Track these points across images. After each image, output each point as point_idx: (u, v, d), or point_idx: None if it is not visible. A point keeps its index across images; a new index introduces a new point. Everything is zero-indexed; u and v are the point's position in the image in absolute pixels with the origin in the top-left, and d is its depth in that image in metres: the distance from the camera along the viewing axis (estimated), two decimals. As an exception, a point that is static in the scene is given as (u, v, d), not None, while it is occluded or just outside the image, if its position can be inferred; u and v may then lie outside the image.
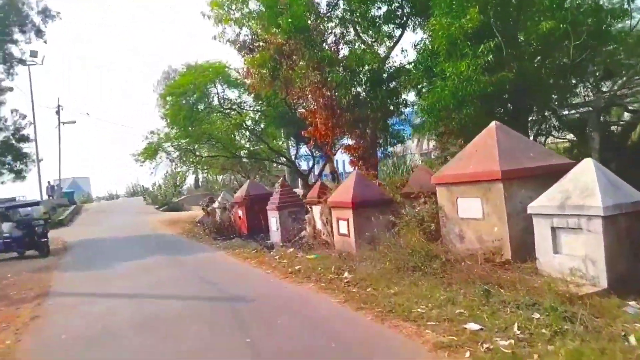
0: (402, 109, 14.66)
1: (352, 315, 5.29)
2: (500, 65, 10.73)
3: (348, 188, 8.85)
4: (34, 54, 26.00)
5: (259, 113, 23.39)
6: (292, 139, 24.89)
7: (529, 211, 6.35)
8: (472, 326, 4.45)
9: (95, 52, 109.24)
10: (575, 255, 5.79)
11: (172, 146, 24.01)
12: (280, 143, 26.93)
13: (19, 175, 20.02)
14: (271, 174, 30.09)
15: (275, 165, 30.04)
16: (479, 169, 7.21)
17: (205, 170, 30.37)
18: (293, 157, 24.97)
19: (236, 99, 23.21)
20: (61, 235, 19.45)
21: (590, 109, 13.41)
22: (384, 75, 14.16)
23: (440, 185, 7.90)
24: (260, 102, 22.98)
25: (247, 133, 24.40)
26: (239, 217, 16.11)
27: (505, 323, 4.41)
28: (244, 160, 27.51)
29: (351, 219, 8.56)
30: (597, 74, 12.72)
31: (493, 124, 7.82)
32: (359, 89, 13.77)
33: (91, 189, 50.48)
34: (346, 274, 6.98)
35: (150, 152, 23.16)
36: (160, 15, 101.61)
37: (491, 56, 10.36)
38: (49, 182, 30.90)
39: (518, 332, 4.21)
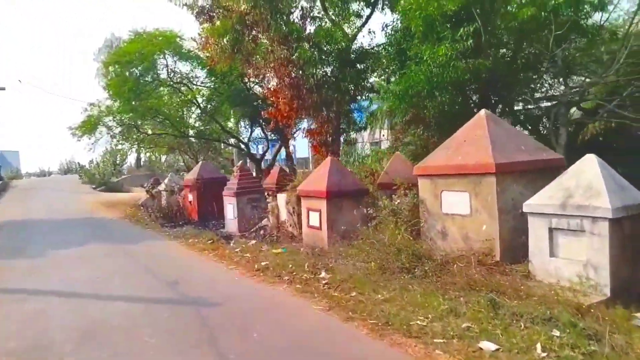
0: (368, 94, 14.03)
1: (342, 327, 4.57)
2: (476, 52, 10.30)
3: (321, 176, 8.09)
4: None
5: (213, 90, 21.96)
6: (245, 120, 23.72)
7: (525, 209, 5.89)
8: (488, 345, 3.87)
9: (32, 14, 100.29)
10: (575, 260, 5.39)
11: (115, 121, 22.17)
12: (230, 125, 25.57)
13: None
14: (222, 157, 28.76)
15: (224, 147, 28.76)
16: (469, 160, 6.68)
17: (150, 149, 28.51)
18: (246, 140, 23.81)
19: (187, 73, 21.68)
20: (-16, 215, 17.48)
21: (551, 103, 13.36)
22: (352, 56, 13.44)
23: (423, 177, 7.32)
24: (213, 79, 21.61)
25: (198, 111, 22.96)
26: (189, 202, 14.99)
27: (524, 342, 3.86)
28: (193, 140, 26.03)
29: (324, 210, 7.83)
30: (567, 69, 12.62)
31: (483, 112, 7.32)
32: (327, 69, 12.95)
33: (20, 164, 46.64)
34: (323, 274, 6.26)
35: (90, 126, 21.26)
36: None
37: (471, 41, 9.92)
38: None
39: (543, 354, 3.67)
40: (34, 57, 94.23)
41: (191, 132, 24.80)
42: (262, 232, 10.13)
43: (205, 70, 21.34)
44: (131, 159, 40.19)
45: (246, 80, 21.10)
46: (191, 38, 18.43)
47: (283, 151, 24.91)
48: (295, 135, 16.33)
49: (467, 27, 10.04)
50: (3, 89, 29.52)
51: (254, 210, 11.60)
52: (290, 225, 9.20)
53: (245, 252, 8.25)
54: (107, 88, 20.93)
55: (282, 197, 9.72)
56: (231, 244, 9.21)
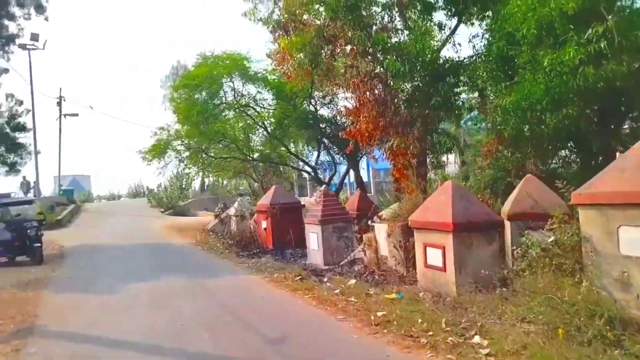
0: (459, 110, 12.29)
1: None
2: (601, 57, 8.45)
3: (443, 203, 6.44)
4: (35, 37, 23.43)
5: (280, 112, 20.89)
6: (312, 143, 22.50)
7: None
8: None
9: (102, 41, 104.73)
10: None
11: (183, 145, 21.55)
12: (293, 148, 24.35)
13: (12, 168, 17.40)
14: (288, 181, 27.62)
15: (285, 171, 27.75)
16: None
17: (216, 174, 27.82)
18: (313, 163, 22.50)
19: (254, 95, 20.81)
20: (58, 238, 16.95)
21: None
22: (442, 69, 11.84)
23: (587, 207, 5.51)
24: (279, 101, 20.65)
25: (265, 134, 21.99)
26: (264, 229, 13.69)
27: None
28: (258, 164, 25.07)
29: (449, 246, 6.15)
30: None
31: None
32: (417, 83, 11.39)
33: (92, 188, 47.83)
34: (477, 338, 4.57)
35: (159, 150, 20.76)
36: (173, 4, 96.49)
37: (605, 43, 8.09)
38: (24, 178, 26.47)
39: None
40: (103, 84, 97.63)
41: (256, 155, 23.92)
42: (355, 267, 8.55)
43: (273, 92, 20.47)
44: (195, 183, 40.11)
45: (313, 102, 20.07)
46: (266, 55, 17.52)
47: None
48: (376, 157, 14.71)
49: (596, 27, 8.24)
50: (76, 115, 30.15)
51: (340, 241, 10.09)
52: (398, 263, 7.56)
53: (348, 295, 6.67)
54: (176, 112, 20.36)
55: (381, 228, 8.13)
56: (325, 283, 7.68)
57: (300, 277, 8.21)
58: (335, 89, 13.03)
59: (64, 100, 30.87)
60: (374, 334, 5.14)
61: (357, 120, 12.44)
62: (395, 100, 10.97)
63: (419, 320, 5.20)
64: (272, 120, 21.52)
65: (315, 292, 7.10)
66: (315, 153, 22.82)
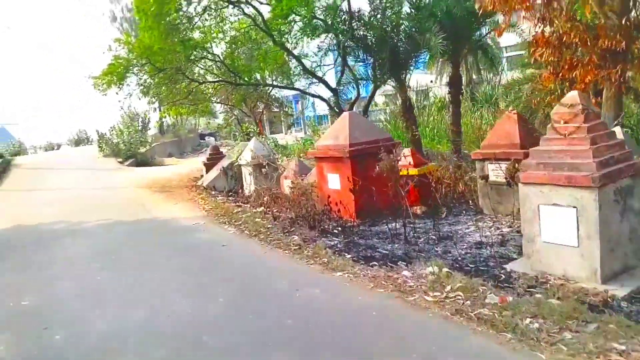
0: None
1: None
2: None
3: None
4: None
5: (286, 9, 13.93)
6: (333, 53, 15.93)
7: None
8: None
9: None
10: None
11: (150, 65, 14.25)
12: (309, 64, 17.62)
13: None
14: (288, 114, 20.93)
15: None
16: None
17: (189, 108, 20.52)
18: (334, 85, 15.98)
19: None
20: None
21: None
22: None
23: None
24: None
25: (270, 44, 15.11)
26: (336, 189, 7.65)
27: None
28: (250, 92, 18.22)
29: None
30: None
31: None
32: None
33: (22, 138, 38.61)
34: None
35: (119, 73, 13.52)
36: None
37: None
38: None
39: None
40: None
41: (249, 78, 17.08)
42: None
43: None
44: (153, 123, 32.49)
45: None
46: None
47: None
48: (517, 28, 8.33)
49: None
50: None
51: (624, 222, 4.34)
52: None
53: None
54: (143, 13, 12.87)
55: None
56: None
57: None
58: None
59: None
60: None
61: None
62: None
63: None
64: (276, 22, 14.55)
65: None
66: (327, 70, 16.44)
